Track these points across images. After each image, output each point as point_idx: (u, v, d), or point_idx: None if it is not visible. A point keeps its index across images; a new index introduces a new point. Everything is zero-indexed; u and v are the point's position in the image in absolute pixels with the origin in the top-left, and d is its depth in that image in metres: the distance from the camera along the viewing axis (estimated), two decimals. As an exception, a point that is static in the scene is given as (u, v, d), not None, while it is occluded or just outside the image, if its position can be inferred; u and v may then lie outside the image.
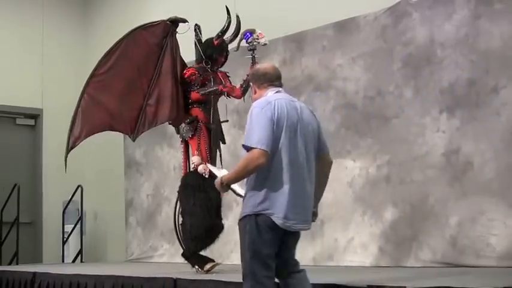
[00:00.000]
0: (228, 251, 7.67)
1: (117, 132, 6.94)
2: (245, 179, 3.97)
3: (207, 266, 6.13)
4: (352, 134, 7.07)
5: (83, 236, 10.18)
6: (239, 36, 6.53)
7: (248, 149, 3.84)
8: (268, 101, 3.94)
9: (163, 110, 6.53)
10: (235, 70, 6.86)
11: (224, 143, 6.69)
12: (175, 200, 6.87)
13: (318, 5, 7.52)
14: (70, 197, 10.17)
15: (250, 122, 3.90)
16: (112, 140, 9.11)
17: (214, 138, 6.49)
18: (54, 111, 10.38)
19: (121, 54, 6.44)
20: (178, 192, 6.55)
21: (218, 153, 6.52)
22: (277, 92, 4.09)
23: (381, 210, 6.73)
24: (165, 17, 6.71)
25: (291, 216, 3.83)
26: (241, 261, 3.93)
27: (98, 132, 6.50)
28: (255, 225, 3.83)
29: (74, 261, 10.01)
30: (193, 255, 6.31)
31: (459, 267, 5.94)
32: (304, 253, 7.26)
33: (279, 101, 3.94)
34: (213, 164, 6.32)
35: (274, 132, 3.84)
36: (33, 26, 11.00)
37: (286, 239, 3.94)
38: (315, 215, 4.17)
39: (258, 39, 6.42)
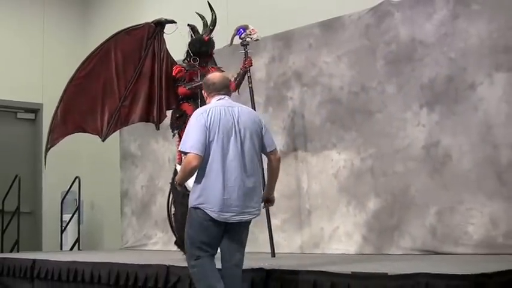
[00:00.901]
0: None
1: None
2: None
3: (198, 254, 6.09)
4: (337, 128, 7.06)
5: (80, 225, 10.14)
6: (233, 31, 6.52)
7: (185, 153, 4.20)
8: (205, 109, 4.29)
9: (136, 112, 6.49)
10: (229, 65, 6.81)
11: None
12: (168, 190, 6.85)
13: (305, 5, 7.49)
14: (68, 187, 10.11)
15: (187, 129, 4.26)
16: (108, 134, 9.05)
17: None
18: (54, 105, 10.15)
19: (101, 59, 6.38)
20: (170, 183, 6.53)
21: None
22: (219, 99, 4.41)
23: (365, 201, 6.72)
24: (160, 16, 6.67)
25: (226, 209, 4.12)
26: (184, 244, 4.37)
27: (71, 133, 6.49)
28: (195, 217, 4.17)
29: (71, 249, 9.97)
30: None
31: (438, 255, 5.95)
32: (292, 241, 7.28)
33: (215, 108, 4.27)
34: None
35: (207, 136, 4.14)
36: (34, 23, 10.90)
37: (228, 230, 4.21)
38: (270, 201, 4.55)
39: (250, 35, 6.42)
